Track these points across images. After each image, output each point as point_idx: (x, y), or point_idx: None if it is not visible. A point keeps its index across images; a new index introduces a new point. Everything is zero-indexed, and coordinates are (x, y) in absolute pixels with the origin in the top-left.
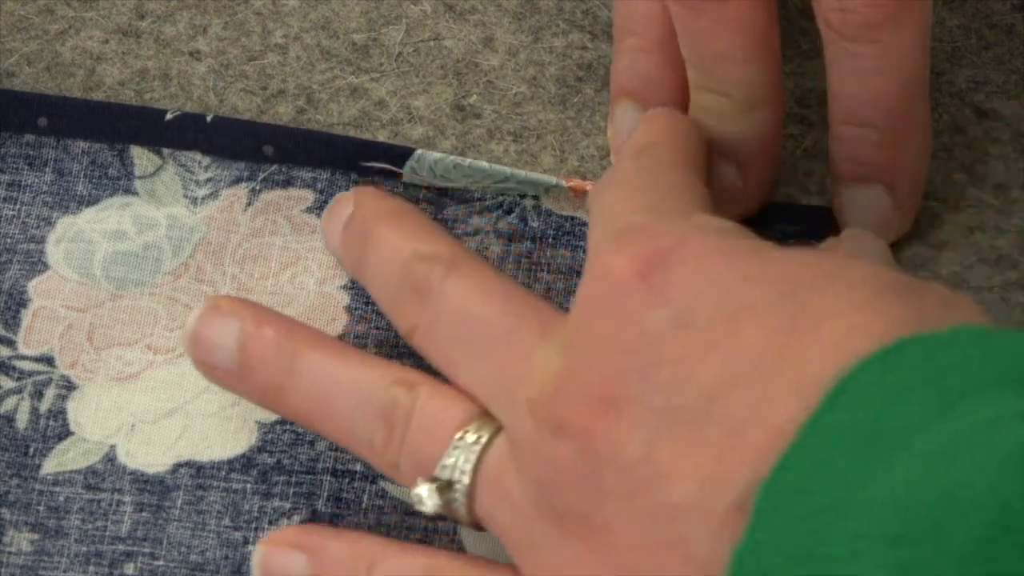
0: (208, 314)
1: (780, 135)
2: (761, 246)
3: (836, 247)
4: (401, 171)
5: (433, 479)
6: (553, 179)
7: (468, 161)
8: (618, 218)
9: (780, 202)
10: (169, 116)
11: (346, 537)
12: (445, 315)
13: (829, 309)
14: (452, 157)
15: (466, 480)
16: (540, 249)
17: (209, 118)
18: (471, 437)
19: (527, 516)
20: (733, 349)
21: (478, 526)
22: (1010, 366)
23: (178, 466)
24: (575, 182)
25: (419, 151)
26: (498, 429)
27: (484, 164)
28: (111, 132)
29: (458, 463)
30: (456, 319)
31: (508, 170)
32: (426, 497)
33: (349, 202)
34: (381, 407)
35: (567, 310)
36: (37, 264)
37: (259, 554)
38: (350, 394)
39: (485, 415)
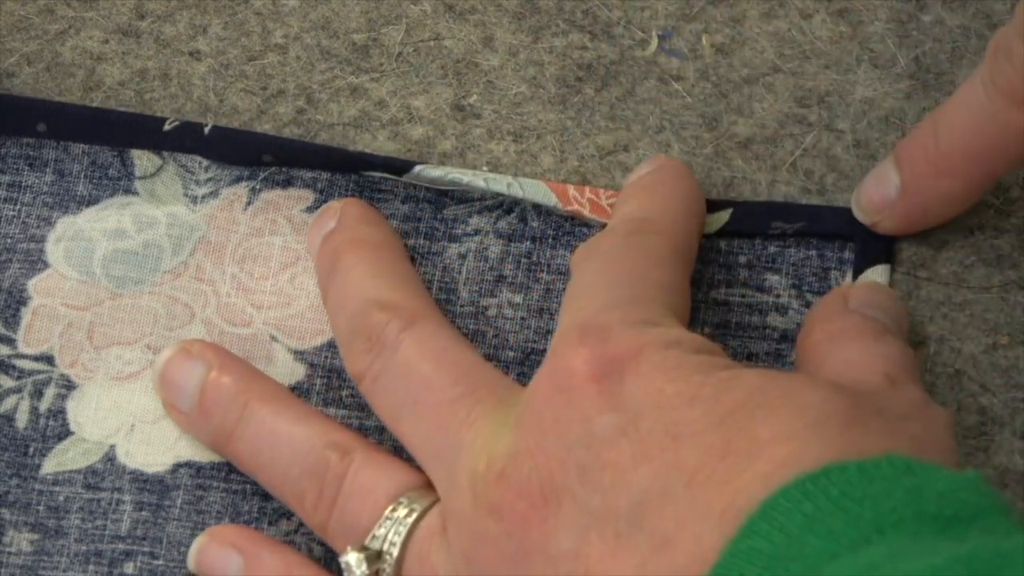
0: (177, 356)
1: None
2: (717, 364)
3: (838, 305)
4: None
5: (363, 548)
6: (553, 197)
7: (467, 179)
8: (590, 305)
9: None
10: (167, 127)
11: (280, 552)
12: (395, 370)
13: (768, 435)
14: (451, 175)
15: (395, 552)
16: (540, 249)
17: (207, 129)
18: (402, 511)
19: None
20: (667, 464)
21: None
22: (930, 504)
23: (178, 466)
24: (573, 193)
25: (418, 167)
26: (430, 504)
27: (481, 183)
28: (110, 139)
29: (388, 535)
30: (405, 377)
31: (505, 189)
32: (354, 565)
33: (333, 216)
34: (313, 466)
35: None
36: (37, 263)
37: (200, 543)
38: (286, 449)
39: (418, 487)
